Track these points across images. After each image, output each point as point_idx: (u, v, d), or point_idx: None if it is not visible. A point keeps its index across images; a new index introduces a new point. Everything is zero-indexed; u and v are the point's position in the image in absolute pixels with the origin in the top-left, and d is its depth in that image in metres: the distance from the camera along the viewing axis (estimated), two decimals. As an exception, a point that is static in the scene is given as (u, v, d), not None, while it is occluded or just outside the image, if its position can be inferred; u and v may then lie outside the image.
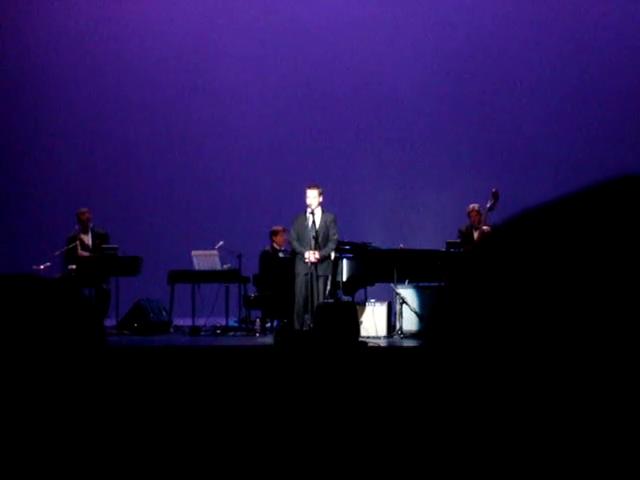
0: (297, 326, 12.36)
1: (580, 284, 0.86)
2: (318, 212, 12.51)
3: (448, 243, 13.68)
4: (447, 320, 0.94)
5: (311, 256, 12.37)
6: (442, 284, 13.24)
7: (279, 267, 12.97)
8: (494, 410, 0.89)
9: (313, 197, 12.46)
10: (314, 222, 12.49)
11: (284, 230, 13.90)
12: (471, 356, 0.90)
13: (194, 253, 14.44)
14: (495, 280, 0.92)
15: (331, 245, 12.58)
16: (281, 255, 13.81)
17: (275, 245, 14.40)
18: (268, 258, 14.23)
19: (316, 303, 12.10)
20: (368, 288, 14.17)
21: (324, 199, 12.69)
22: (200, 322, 14.21)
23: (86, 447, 1.64)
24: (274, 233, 14.46)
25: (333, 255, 12.83)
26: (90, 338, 1.61)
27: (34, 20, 18.10)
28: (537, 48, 17.62)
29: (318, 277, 12.33)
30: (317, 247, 12.37)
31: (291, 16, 17.97)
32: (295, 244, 12.61)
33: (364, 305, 13.37)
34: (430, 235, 15.88)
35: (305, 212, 12.58)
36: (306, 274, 12.38)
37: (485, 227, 13.16)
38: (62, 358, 1.60)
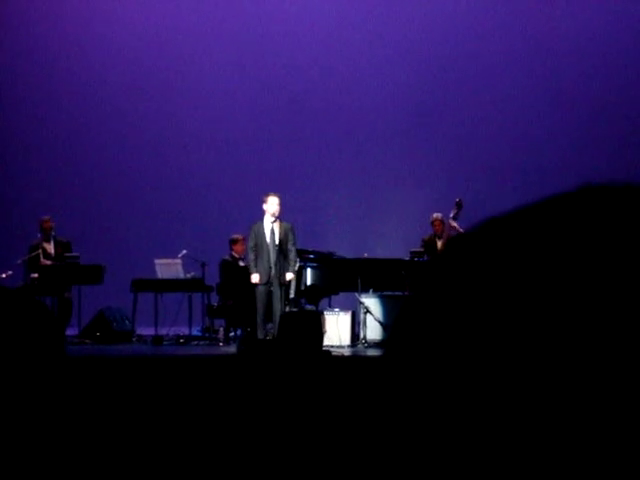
0: (260, 335, 12.33)
1: (541, 294, 0.86)
2: (277, 220, 12.46)
3: (412, 252, 13.71)
4: (409, 330, 0.93)
5: (256, 278, 12.32)
6: (406, 293, 13.26)
7: (239, 276, 12.94)
8: (453, 420, 0.88)
9: (277, 204, 12.40)
10: (273, 231, 12.42)
11: (244, 238, 13.80)
12: (432, 366, 0.89)
13: (157, 262, 14.38)
14: (457, 289, 0.92)
15: (293, 257, 12.52)
16: (241, 264, 13.77)
17: (234, 254, 14.35)
18: (228, 267, 14.18)
19: (278, 312, 12.07)
20: (332, 297, 14.17)
21: (287, 207, 12.66)
22: (163, 331, 14.14)
23: (45, 456, 1.62)
24: (233, 241, 14.39)
25: (298, 265, 12.81)
26: (50, 347, 1.59)
27: (9, 29, 17.99)
28: (508, 60, 17.70)
29: (280, 285, 12.29)
30: (280, 256, 12.32)
31: (261, 20, 17.94)
32: (251, 257, 12.50)
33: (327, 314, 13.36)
34: (394, 244, 15.91)
35: (263, 220, 12.50)
36: (266, 283, 12.34)
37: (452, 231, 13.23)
38: (21, 368, 1.58)
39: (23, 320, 1.60)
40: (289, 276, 12.42)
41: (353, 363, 10.62)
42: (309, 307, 13.59)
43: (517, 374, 0.84)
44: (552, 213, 0.91)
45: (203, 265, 14.20)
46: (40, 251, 14.00)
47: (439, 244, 13.47)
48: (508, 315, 0.85)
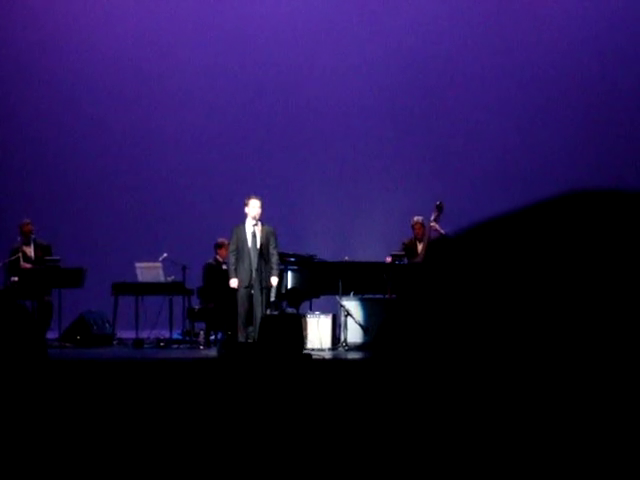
0: (241, 338, 12.32)
1: (522, 299, 0.87)
2: (259, 224, 12.46)
3: (392, 255, 13.73)
4: (393, 333, 0.94)
5: (234, 283, 12.33)
6: (387, 296, 13.29)
7: (223, 279, 12.92)
8: (435, 421, 0.89)
9: (258, 207, 12.40)
10: (254, 234, 12.41)
11: (229, 243, 13.80)
12: (415, 368, 0.90)
13: (138, 265, 14.35)
14: (439, 294, 0.93)
15: (276, 261, 12.51)
16: (225, 267, 13.75)
17: (219, 257, 14.35)
18: (212, 270, 14.19)
19: (259, 315, 12.06)
20: (313, 300, 14.18)
21: (268, 210, 12.67)
22: (144, 334, 14.13)
23: (27, 457, 1.62)
24: (218, 246, 14.40)
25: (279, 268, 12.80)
26: (32, 350, 1.59)
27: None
28: (489, 59, 17.75)
29: (261, 289, 12.28)
30: (261, 259, 12.32)
31: (242, 24, 17.94)
32: (232, 259, 12.48)
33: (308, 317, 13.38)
34: (375, 247, 15.92)
35: (244, 224, 12.50)
36: (247, 287, 12.33)
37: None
38: (3, 370, 1.58)
39: (4, 323, 1.60)
40: (274, 281, 12.41)
41: (334, 366, 10.63)
42: (290, 310, 13.59)
43: (499, 376, 0.85)
44: (536, 218, 0.91)
45: (184, 268, 14.18)
46: (20, 254, 13.96)
47: (419, 247, 13.49)
48: (492, 319, 0.86)
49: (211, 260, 14.47)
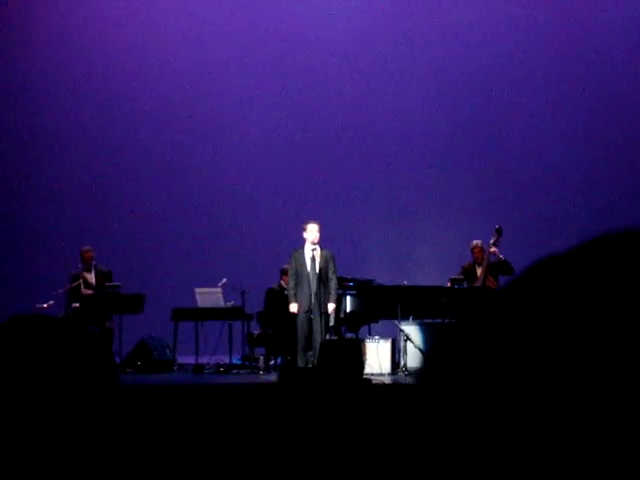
0: (301, 363, 12.32)
1: (581, 342, 0.87)
2: (318, 248, 12.48)
3: (451, 279, 13.67)
4: (448, 360, 0.94)
5: (294, 308, 12.36)
6: (446, 320, 13.22)
7: (284, 305, 12.93)
8: (483, 448, 0.89)
9: (316, 232, 12.44)
10: (314, 258, 12.44)
11: (289, 268, 13.81)
12: (466, 396, 0.90)
13: (197, 290, 14.42)
14: (504, 331, 0.93)
15: (334, 286, 12.53)
16: (287, 293, 13.78)
17: (283, 283, 14.37)
18: (274, 295, 14.21)
19: (318, 340, 12.06)
20: (372, 325, 14.15)
21: (327, 235, 12.69)
22: (203, 360, 14.18)
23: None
24: (284, 272, 14.38)
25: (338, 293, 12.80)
26: (104, 375, 1.61)
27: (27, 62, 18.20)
28: (544, 83, 17.67)
29: (320, 313, 12.29)
30: (320, 284, 12.33)
31: (287, 51, 18.04)
32: (291, 284, 12.52)
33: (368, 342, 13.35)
34: (433, 271, 15.86)
35: (303, 248, 12.54)
36: (306, 311, 12.35)
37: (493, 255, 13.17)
38: (78, 395, 1.59)
39: (74, 347, 1.62)
40: (331, 307, 12.42)
41: (393, 391, 10.58)
42: (349, 335, 13.57)
43: (556, 411, 0.85)
44: (596, 259, 0.91)
45: (243, 293, 14.21)
46: (81, 281, 14.11)
47: (479, 271, 13.40)
48: (546, 358, 0.86)
49: (275, 285, 14.51)
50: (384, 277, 14.77)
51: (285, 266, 14.21)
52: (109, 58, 18.11)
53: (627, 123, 17.44)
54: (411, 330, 13.51)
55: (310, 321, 12.33)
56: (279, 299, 13.83)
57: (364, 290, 13.82)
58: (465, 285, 13.49)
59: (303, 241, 12.53)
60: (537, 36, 17.71)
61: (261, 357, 14.18)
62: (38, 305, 13.83)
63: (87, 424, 1.64)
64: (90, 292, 14.10)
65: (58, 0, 18.33)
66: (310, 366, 12.07)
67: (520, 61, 17.71)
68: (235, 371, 13.95)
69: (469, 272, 13.51)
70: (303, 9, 18.09)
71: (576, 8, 17.72)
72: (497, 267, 13.29)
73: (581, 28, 17.68)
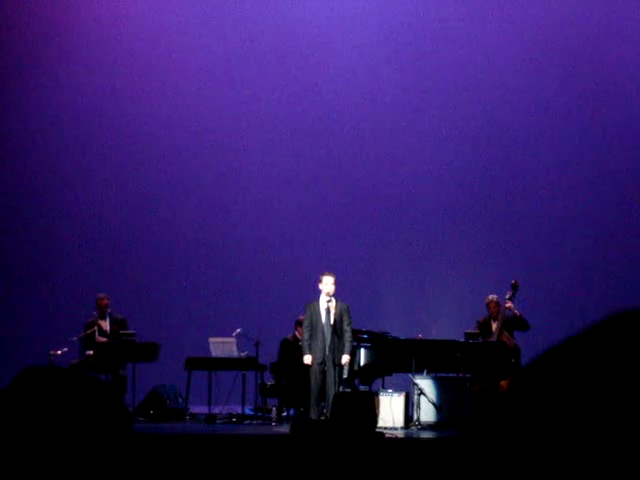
0: (314, 416, 12.28)
1: (596, 426, 0.92)
2: (333, 300, 12.49)
3: (467, 334, 13.64)
4: (495, 421, 0.98)
5: (308, 360, 12.36)
6: (460, 375, 13.17)
7: (298, 356, 12.92)
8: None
9: (331, 284, 12.45)
10: (329, 310, 12.45)
11: (303, 319, 13.78)
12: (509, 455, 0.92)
13: (211, 340, 14.42)
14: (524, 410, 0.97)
15: (349, 338, 12.52)
16: (301, 344, 13.76)
17: (297, 334, 14.35)
18: (288, 346, 14.19)
19: (332, 392, 12.03)
20: (386, 378, 14.11)
21: (342, 287, 12.69)
22: (216, 409, 14.15)
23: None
24: (299, 323, 14.38)
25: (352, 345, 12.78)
26: (118, 425, 1.61)
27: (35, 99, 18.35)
28: (556, 139, 17.72)
29: (334, 366, 12.27)
30: (334, 336, 12.33)
31: (306, 104, 18.15)
32: (306, 336, 12.54)
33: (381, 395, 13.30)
34: (449, 325, 15.82)
35: (318, 300, 12.55)
36: (320, 363, 12.33)
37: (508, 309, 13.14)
38: (92, 445, 1.60)
39: (89, 400, 1.62)
40: (345, 359, 12.41)
41: (406, 445, 10.53)
42: (363, 388, 13.53)
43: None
44: (605, 345, 0.95)
45: (257, 344, 14.21)
46: (96, 328, 14.12)
47: (494, 326, 13.36)
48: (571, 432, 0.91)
49: (289, 336, 14.50)
50: (399, 330, 14.74)
51: (300, 317, 14.19)
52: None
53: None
54: (425, 384, 13.47)
55: (324, 373, 12.31)
56: (293, 350, 13.80)
57: (378, 343, 13.80)
58: (480, 340, 13.45)
59: (318, 292, 12.54)
60: (549, 93, 17.79)
61: (274, 408, 14.14)
62: (52, 352, 13.82)
63: (102, 472, 1.64)
64: (104, 340, 14.10)
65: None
66: (323, 418, 12.03)
67: (531, 118, 17.76)
68: (247, 422, 13.91)
69: (484, 327, 13.48)
70: (322, 62, 18.23)
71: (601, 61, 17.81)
72: (512, 322, 13.25)
73: (598, 81, 17.75)
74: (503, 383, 12.67)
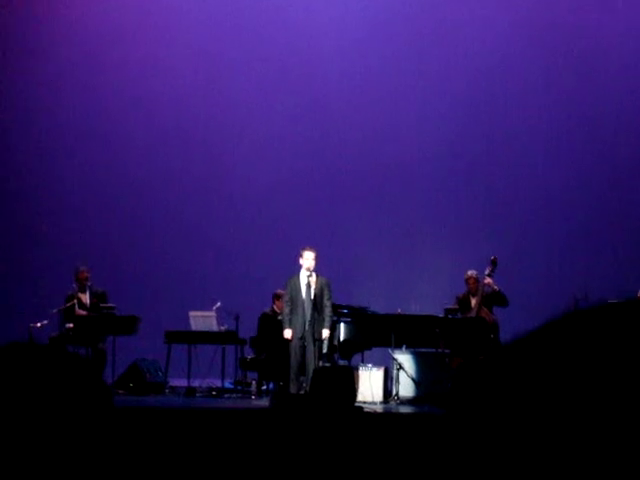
0: (293, 390, 12.33)
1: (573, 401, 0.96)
2: (313, 275, 12.50)
3: (446, 309, 13.70)
4: (475, 392, 1.01)
5: (288, 334, 12.40)
6: (439, 350, 13.24)
7: (277, 330, 12.96)
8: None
9: (312, 259, 12.46)
10: (309, 285, 12.46)
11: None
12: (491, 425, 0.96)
13: (191, 314, 14.44)
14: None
15: (329, 313, 12.54)
16: (280, 318, 13.78)
17: (276, 308, 14.40)
18: (267, 320, 14.23)
19: (311, 367, 12.08)
20: (365, 352, 14.17)
21: (322, 262, 12.71)
22: (196, 383, 14.19)
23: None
24: (277, 296, 14.43)
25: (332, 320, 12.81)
26: (97, 398, 1.63)
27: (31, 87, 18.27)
28: (540, 115, 17.75)
29: (314, 340, 12.31)
30: (314, 311, 12.36)
31: (287, 84, 18.12)
32: (286, 310, 12.57)
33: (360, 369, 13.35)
34: (428, 300, 15.88)
35: (299, 275, 12.57)
36: (300, 338, 12.37)
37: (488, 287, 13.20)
38: (73, 418, 1.62)
39: (69, 375, 1.64)
40: (325, 333, 12.45)
41: (385, 420, 10.59)
42: (342, 362, 13.59)
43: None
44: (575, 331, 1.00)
45: (237, 318, 14.23)
46: (75, 301, 14.09)
47: (473, 302, 13.42)
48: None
49: (267, 310, 14.52)
50: (378, 305, 14.79)
51: (278, 291, 14.24)
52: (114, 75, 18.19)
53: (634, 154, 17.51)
54: (404, 359, 13.54)
55: (304, 348, 12.36)
56: (272, 324, 13.85)
57: (358, 318, 13.85)
58: (459, 315, 13.51)
59: (299, 267, 12.56)
60: (540, 69, 17.81)
61: (253, 382, 14.19)
62: (32, 324, 13.80)
63: (83, 445, 1.66)
64: (84, 313, 14.09)
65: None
66: (302, 392, 12.08)
67: (521, 90, 17.78)
68: (227, 395, 13.96)
69: (464, 302, 13.53)
70: (309, 21, 18.18)
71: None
72: (491, 298, 13.32)
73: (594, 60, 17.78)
74: (482, 358, 12.75)
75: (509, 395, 1.02)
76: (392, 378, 13.42)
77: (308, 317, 12.34)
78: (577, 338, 1.04)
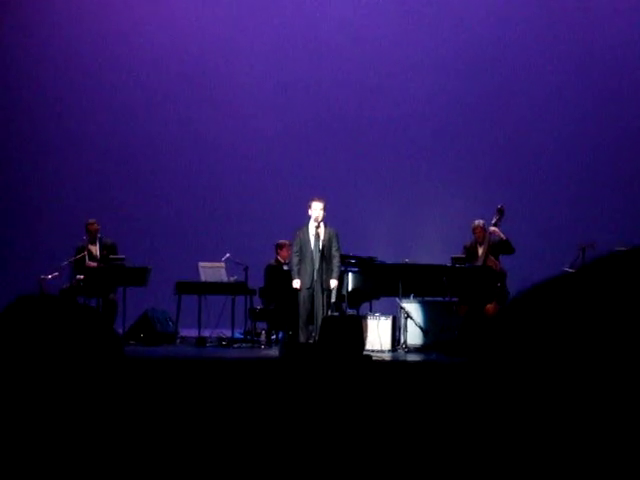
0: (302, 339, 12.42)
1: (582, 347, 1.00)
2: (322, 226, 12.53)
3: (453, 258, 13.73)
4: (498, 342, 1.06)
5: (297, 284, 12.45)
6: (446, 299, 13.30)
7: (284, 280, 13.02)
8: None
9: (320, 209, 12.48)
10: (318, 235, 12.50)
11: (290, 244, 13.83)
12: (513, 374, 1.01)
13: (201, 265, 14.50)
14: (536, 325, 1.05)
15: (337, 263, 12.58)
16: (286, 268, 13.83)
17: (280, 259, 14.45)
18: (273, 271, 14.28)
19: (320, 316, 12.15)
20: (373, 302, 14.23)
21: (330, 212, 12.74)
22: (206, 333, 14.27)
23: (95, 454, 1.71)
24: (279, 247, 14.50)
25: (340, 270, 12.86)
26: (108, 348, 1.68)
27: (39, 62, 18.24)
28: (546, 63, 17.68)
29: (322, 290, 12.37)
30: (323, 261, 12.41)
31: (292, 33, 18.06)
32: (294, 260, 12.60)
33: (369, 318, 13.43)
34: (436, 250, 15.92)
35: (307, 225, 12.60)
36: (308, 288, 12.43)
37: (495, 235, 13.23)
38: (85, 370, 1.67)
39: (80, 326, 1.70)
40: (333, 283, 12.50)
41: (393, 368, 10.68)
42: (350, 312, 13.65)
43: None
44: (592, 281, 1.04)
45: (246, 269, 14.27)
46: (86, 253, 14.15)
47: (480, 251, 13.44)
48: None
49: (272, 261, 14.57)
50: (386, 255, 14.84)
51: (280, 241, 14.30)
52: (108, 48, 18.15)
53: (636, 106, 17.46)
54: (412, 308, 13.61)
55: (312, 297, 12.42)
56: (278, 274, 13.90)
57: (366, 267, 13.90)
58: (466, 264, 13.54)
59: (307, 218, 12.59)
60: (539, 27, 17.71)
61: (263, 332, 14.27)
62: (43, 277, 13.89)
63: (94, 395, 1.72)
64: (94, 264, 14.16)
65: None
66: (311, 341, 12.16)
67: (522, 45, 17.70)
68: (237, 345, 14.04)
69: (471, 252, 13.54)
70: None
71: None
72: (498, 247, 13.32)
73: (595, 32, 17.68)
74: (489, 307, 12.81)
75: (526, 344, 1.06)
76: (400, 327, 13.50)
77: (317, 267, 12.39)
78: (600, 284, 1.06)
